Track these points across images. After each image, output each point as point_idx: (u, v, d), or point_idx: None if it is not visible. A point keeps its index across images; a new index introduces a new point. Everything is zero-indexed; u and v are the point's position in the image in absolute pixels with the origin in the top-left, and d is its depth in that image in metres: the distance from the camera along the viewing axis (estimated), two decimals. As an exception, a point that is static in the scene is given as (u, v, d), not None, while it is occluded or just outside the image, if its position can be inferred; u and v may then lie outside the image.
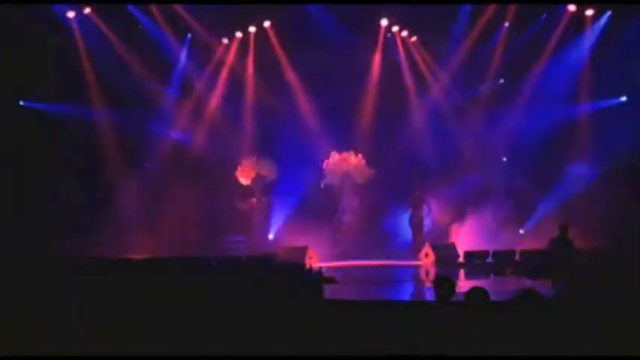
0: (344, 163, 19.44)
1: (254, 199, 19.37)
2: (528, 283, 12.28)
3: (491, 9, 18.68)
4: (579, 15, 18.61)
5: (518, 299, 5.54)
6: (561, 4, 18.56)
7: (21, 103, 18.32)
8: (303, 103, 19.81)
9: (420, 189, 18.91)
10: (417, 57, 19.95)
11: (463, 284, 12.64)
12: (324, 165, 19.49)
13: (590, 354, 5.12)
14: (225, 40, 19.59)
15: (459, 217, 18.65)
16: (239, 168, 19.56)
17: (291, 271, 11.21)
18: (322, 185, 19.50)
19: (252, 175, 19.45)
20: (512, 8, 18.73)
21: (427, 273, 15.90)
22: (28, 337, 5.78)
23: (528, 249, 16.50)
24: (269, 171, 19.49)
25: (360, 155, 19.59)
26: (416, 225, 18.76)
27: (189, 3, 18.42)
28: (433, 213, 18.88)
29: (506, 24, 19.05)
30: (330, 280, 13.69)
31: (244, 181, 19.54)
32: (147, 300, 7.16)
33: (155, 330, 5.83)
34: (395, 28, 19.60)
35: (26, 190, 17.23)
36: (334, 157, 19.56)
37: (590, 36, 18.75)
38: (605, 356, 5.15)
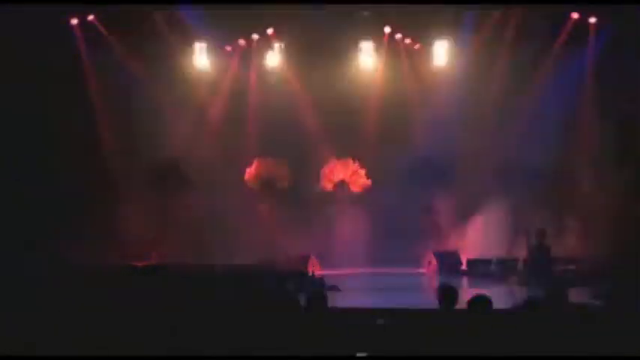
0: (341, 170, 19.40)
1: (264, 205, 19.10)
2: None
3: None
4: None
5: (521, 308, 5.53)
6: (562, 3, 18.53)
7: None
8: (305, 108, 19.85)
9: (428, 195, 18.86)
10: (420, 64, 19.92)
11: (466, 292, 12.61)
12: (322, 171, 19.49)
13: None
14: (228, 48, 19.62)
15: (463, 223, 18.65)
16: (248, 170, 19.49)
17: (294, 279, 11.22)
18: (317, 191, 19.50)
19: (263, 178, 19.21)
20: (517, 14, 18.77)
21: (430, 281, 15.88)
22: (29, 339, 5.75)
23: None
24: (282, 175, 19.30)
25: (357, 163, 19.62)
26: (423, 231, 18.75)
27: (192, 3, 18.42)
28: (440, 219, 18.85)
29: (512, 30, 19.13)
30: (333, 288, 13.70)
31: (253, 184, 19.43)
32: (150, 307, 7.15)
33: (157, 336, 5.81)
34: (398, 36, 19.61)
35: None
36: (333, 163, 19.56)
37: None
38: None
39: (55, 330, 5.89)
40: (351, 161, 19.58)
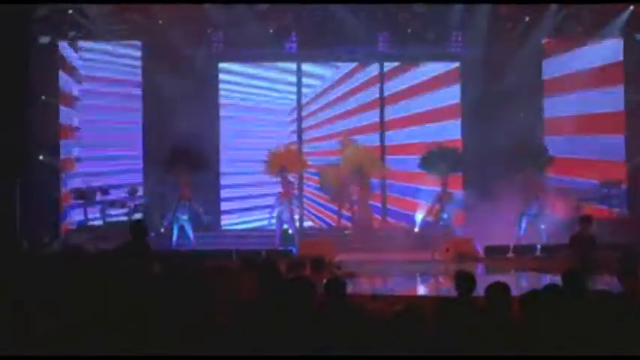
0: (358, 157, 19.34)
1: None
2: (549, 278, 12.17)
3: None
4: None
5: (540, 294, 5.51)
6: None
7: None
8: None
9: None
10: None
11: (483, 279, 12.57)
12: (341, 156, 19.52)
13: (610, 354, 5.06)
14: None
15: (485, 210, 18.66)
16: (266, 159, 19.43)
17: (312, 265, 11.19)
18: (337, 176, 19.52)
19: (277, 169, 19.09)
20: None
21: (447, 268, 15.85)
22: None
23: (550, 244, 16.57)
24: (298, 164, 19.21)
25: (374, 149, 19.68)
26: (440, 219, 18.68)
27: (196, 3, 18.46)
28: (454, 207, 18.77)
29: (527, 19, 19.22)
30: (351, 275, 13.71)
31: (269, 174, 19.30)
32: (163, 294, 7.17)
33: (168, 326, 5.78)
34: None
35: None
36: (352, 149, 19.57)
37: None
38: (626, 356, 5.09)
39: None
40: (369, 147, 19.63)
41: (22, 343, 5.09)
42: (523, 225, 17.91)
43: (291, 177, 19.05)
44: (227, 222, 20.55)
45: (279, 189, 18.56)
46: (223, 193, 20.53)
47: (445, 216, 18.31)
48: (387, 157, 20.23)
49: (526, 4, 18.80)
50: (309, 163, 19.75)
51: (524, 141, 18.84)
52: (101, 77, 19.73)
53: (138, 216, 18.31)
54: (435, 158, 18.54)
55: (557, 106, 19.55)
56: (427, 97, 20.34)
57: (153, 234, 18.59)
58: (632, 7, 18.63)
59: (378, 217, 20.26)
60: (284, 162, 18.91)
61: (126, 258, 8.44)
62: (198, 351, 5.44)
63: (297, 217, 19.14)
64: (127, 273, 7.98)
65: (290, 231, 18.69)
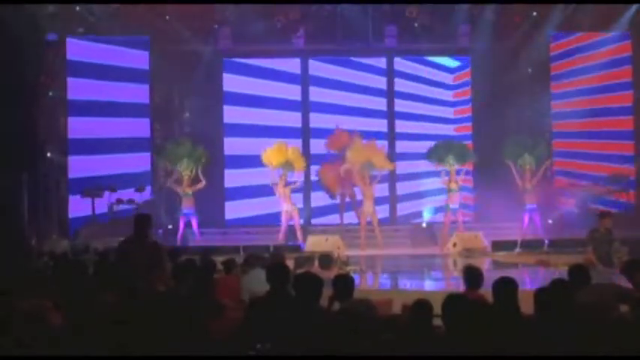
0: (366, 151, 19.26)
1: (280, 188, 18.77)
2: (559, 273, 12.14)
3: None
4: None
5: (548, 290, 5.49)
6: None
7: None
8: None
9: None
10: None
11: (491, 274, 12.55)
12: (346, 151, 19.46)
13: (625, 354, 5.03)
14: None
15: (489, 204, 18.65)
16: (267, 149, 19.02)
17: (320, 261, 11.20)
18: (341, 172, 19.42)
19: (281, 160, 18.89)
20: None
21: (455, 262, 15.85)
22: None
23: (557, 238, 16.58)
24: (299, 164, 19.01)
25: (381, 145, 19.67)
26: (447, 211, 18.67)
27: (199, 3, 18.47)
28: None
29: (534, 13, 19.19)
30: (359, 270, 13.71)
31: (270, 164, 18.86)
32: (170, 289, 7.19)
33: (173, 323, 5.77)
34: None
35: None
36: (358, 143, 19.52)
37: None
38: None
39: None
40: (375, 142, 19.59)
41: (26, 342, 5.06)
42: (525, 220, 17.94)
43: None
44: (232, 217, 20.62)
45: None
46: (228, 187, 20.61)
47: (453, 207, 18.25)
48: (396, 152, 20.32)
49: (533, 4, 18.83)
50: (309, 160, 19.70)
51: (523, 132, 18.94)
52: (109, 73, 19.69)
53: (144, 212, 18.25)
54: (442, 150, 18.47)
55: (565, 98, 19.51)
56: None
57: (160, 231, 18.65)
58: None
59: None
60: (288, 159, 18.72)
61: (130, 252, 8.38)
62: (205, 349, 5.44)
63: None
64: (133, 268, 7.98)
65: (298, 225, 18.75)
